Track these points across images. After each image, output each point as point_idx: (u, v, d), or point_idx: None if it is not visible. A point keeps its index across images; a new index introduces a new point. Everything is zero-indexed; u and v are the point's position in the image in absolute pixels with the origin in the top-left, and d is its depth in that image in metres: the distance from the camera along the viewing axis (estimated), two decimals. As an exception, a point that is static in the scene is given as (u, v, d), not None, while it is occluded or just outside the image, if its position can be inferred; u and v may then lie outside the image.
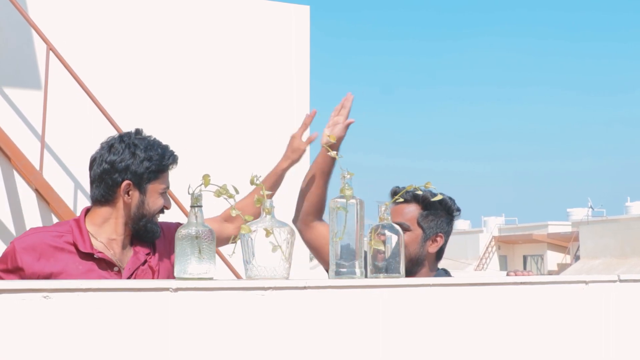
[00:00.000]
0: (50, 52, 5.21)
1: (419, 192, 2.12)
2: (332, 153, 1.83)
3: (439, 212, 2.17)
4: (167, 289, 1.34)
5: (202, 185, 1.52)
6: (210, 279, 1.49)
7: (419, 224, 2.14)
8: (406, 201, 2.14)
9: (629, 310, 1.74)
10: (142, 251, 1.98)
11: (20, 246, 1.87)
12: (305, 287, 1.43)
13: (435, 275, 2.19)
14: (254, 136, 6.67)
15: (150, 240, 1.99)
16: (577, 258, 29.14)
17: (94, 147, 2.04)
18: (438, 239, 2.17)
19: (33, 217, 5.68)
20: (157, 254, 1.99)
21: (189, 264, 1.49)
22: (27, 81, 5.89)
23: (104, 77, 6.09)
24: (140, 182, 1.93)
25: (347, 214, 1.59)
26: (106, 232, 1.94)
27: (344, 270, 1.59)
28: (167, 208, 2.01)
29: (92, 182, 1.96)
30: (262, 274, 1.51)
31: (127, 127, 6.12)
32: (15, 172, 5.63)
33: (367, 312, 1.47)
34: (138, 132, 2.03)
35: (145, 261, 1.95)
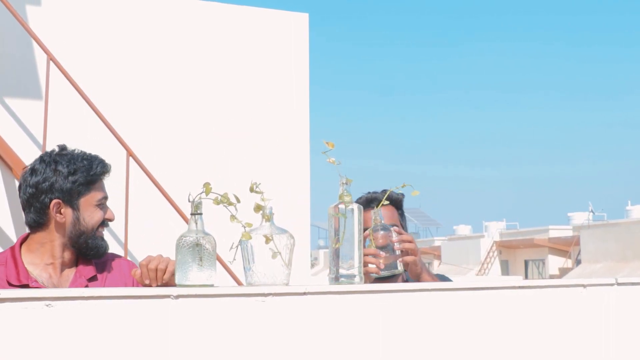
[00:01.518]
0: (51, 62, 5.23)
1: (393, 194, 2.16)
2: (331, 160, 1.84)
3: (403, 211, 2.27)
4: (168, 296, 1.35)
5: (203, 193, 1.53)
6: (211, 285, 1.50)
7: (400, 223, 2.21)
8: (384, 205, 2.19)
9: (628, 314, 1.75)
10: (84, 274, 1.90)
11: None
12: (305, 293, 1.44)
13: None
14: (254, 143, 6.69)
15: (96, 257, 1.91)
16: (578, 262, 29.10)
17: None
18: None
19: (34, 227, 5.69)
20: (101, 283, 1.90)
21: (190, 271, 1.50)
22: (28, 91, 5.91)
23: (105, 86, 6.11)
24: (70, 199, 1.84)
25: (346, 220, 1.60)
26: (42, 257, 1.86)
27: (344, 276, 1.60)
28: (110, 220, 1.93)
29: (23, 209, 1.89)
30: (262, 280, 1.52)
31: (128, 136, 6.12)
32: (16, 182, 5.64)
33: (367, 317, 1.48)
34: (61, 148, 1.93)
35: (86, 287, 1.83)
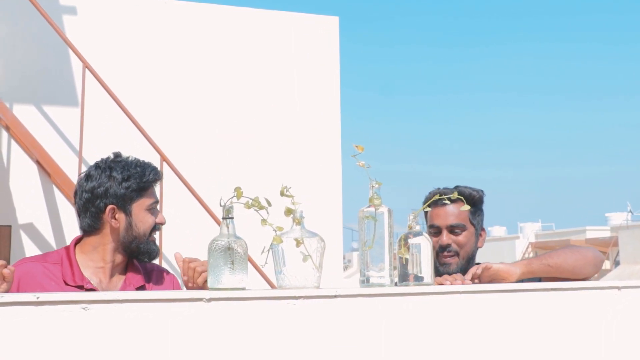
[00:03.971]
0: (86, 69, 5.33)
1: (465, 190, 2.16)
2: (361, 163, 1.84)
3: (479, 208, 2.22)
4: (201, 299, 1.37)
5: (235, 198, 1.55)
6: (243, 289, 1.51)
7: (470, 222, 2.18)
8: (454, 201, 2.12)
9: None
10: (134, 283, 1.94)
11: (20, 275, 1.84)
12: (335, 296, 1.45)
13: None
14: (286, 146, 6.71)
15: (148, 260, 1.95)
16: (617, 263, 28.51)
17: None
18: (483, 233, 2.25)
19: (72, 231, 5.80)
20: (149, 290, 1.93)
21: (222, 274, 1.52)
22: (65, 99, 6.04)
23: (138, 93, 6.20)
24: (123, 204, 1.89)
25: (377, 223, 1.61)
26: (94, 260, 1.90)
27: (374, 278, 1.60)
28: (161, 224, 1.97)
29: (78, 214, 1.94)
30: (293, 284, 1.53)
31: (161, 141, 6.21)
32: (54, 188, 5.76)
33: (397, 320, 1.48)
34: (116, 155, 1.98)
35: None
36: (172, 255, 5.91)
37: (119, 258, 1.93)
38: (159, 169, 1.99)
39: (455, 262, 2.14)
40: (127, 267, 1.98)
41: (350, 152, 1.64)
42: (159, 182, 1.97)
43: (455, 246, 2.15)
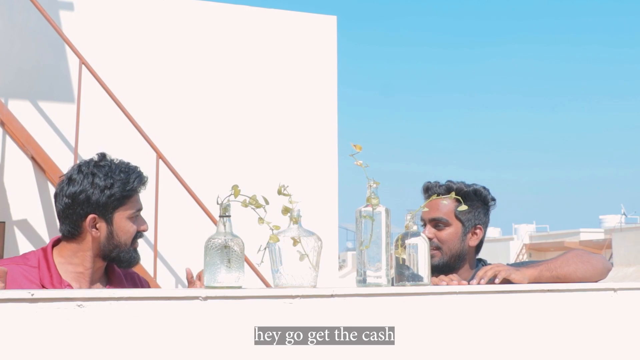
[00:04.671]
0: (83, 66, 5.32)
1: (453, 184, 2.08)
2: (359, 162, 1.84)
3: (475, 203, 2.10)
4: (197, 298, 1.37)
5: (232, 196, 1.54)
6: (239, 287, 1.51)
7: (457, 218, 2.08)
8: (441, 195, 2.04)
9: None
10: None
11: None
12: (332, 295, 1.45)
13: (475, 269, 2.13)
14: (282, 145, 6.71)
15: (127, 268, 1.89)
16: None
17: (126, 159, 2.01)
18: (477, 231, 2.12)
19: (66, 228, 5.79)
20: None
21: (218, 273, 1.52)
22: (61, 95, 6.02)
23: (135, 90, 6.19)
24: (105, 213, 1.81)
25: (374, 223, 1.60)
26: (74, 264, 1.84)
27: (371, 278, 1.60)
28: (144, 231, 1.90)
29: (58, 217, 1.87)
30: (290, 283, 1.53)
31: (158, 139, 6.20)
32: (49, 184, 5.74)
33: (394, 319, 1.48)
34: (100, 157, 1.89)
35: None
36: (168, 254, 5.89)
37: (99, 263, 1.87)
38: (144, 173, 1.90)
39: (438, 255, 2.05)
40: (107, 270, 1.93)
41: (347, 152, 1.64)
42: (143, 189, 1.89)
43: (436, 241, 2.06)
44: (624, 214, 31.86)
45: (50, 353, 1.27)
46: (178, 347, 1.34)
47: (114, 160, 1.89)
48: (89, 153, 6.68)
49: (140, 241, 1.93)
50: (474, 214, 2.10)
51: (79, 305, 1.30)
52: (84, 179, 1.82)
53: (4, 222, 5.72)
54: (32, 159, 5.69)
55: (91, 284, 1.87)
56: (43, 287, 1.81)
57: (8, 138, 5.76)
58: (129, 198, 1.84)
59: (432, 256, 1.98)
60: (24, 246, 5.67)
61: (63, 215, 1.84)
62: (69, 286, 1.83)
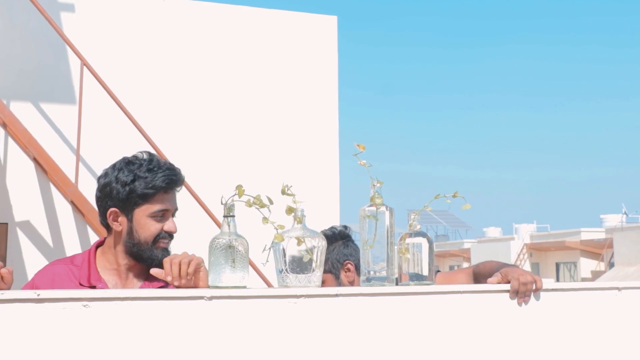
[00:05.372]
0: (84, 67, 5.32)
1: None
2: (362, 162, 1.84)
3: (332, 243, 2.09)
4: (202, 297, 1.37)
5: (236, 196, 1.54)
6: (244, 287, 1.51)
7: (325, 272, 2.02)
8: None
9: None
10: (151, 288, 1.84)
11: (39, 274, 1.86)
12: (337, 295, 1.45)
13: None
14: (283, 145, 6.72)
15: (150, 265, 1.84)
16: (611, 265, 28.59)
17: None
18: (349, 266, 2.11)
19: (69, 229, 5.79)
20: None
21: (223, 272, 1.52)
22: (62, 96, 6.02)
23: (137, 91, 6.19)
24: (125, 208, 1.81)
25: (378, 222, 1.61)
26: (109, 261, 1.86)
27: (375, 277, 1.60)
28: (169, 232, 1.84)
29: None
30: (295, 282, 1.53)
31: (160, 140, 6.20)
32: (51, 185, 5.75)
33: (398, 318, 1.49)
34: (137, 155, 1.89)
35: None
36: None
37: (131, 262, 1.86)
38: (177, 176, 1.86)
39: None
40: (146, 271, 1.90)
41: (348, 152, 1.64)
42: (173, 189, 1.86)
43: None
44: (625, 213, 31.84)
45: (56, 352, 1.28)
46: (183, 346, 1.34)
47: (154, 160, 1.88)
48: (91, 154, 6.71)
49: None
50: (338, 252, 2.11)
51: (84, 306, 1.31)
52: (112, 173, 1.85)
53: (6, 224, 5.72)
54: (34, 160, 5.70)
55: (126, 280, 1.87)
56: (80, 285, 1.83)
57: (10, 140, 5.76)
58: (152, 196, 1.82)
59: None
60: (27, 247, 5.67)
61: (97, 206, 1.89)
62: (104, 283, 1.84)
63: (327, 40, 7.01)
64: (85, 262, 1.86)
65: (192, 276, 1.70)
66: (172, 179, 1.85)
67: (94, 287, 1.82)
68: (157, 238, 1.83)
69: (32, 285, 1.84)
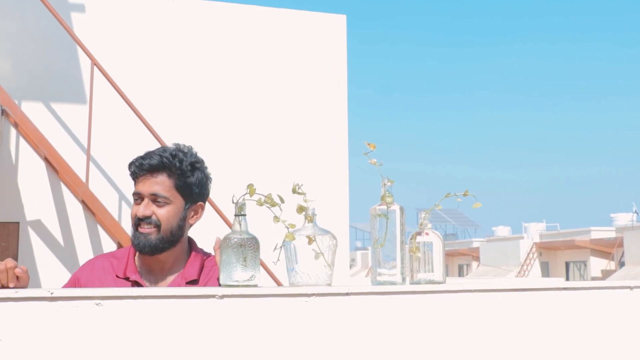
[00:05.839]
0: (95, 67, 5.34)
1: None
2: (373, 161, 1.85)
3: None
4: (213, 296, 1.38)
5: (247, 195, 1.55)
6: (255, 285, 1.52)
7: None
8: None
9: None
10: (186, 276, 1.88)
11: (81, 267, 1.93)
12: (348, 294, 1.46)
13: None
14: (292, 145, 6.72)
15: (142, 253, 1.85)
16: (621, 264, 28.45)
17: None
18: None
19: (80, 228, 5.82)
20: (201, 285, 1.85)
21: (234, 271, 1.52)
22: (73, 96, 6.05)
23: (147, 91, 6.22)
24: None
25: (388, 221, 1.61)
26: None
27: (386, 276, 1.61)
28: (134, 216, 1.85)
29: None
30: (305, 281, 1.54)
31: (170, 139, 6.27)
32: (62, 185, 5.78)
33: (409, 318, 1.49)
34: (184, 146, 1.96)
35: None
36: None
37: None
38: (157, 159, 1.85)
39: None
40: (187, 259, 1.93)
41: (357, 151, 1.64)
42: (149, 175, 1.84)
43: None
44: (636, 212, 31.67)
45: (69, 351, 1.29)
46: (195, 344, 1.35)
47: (159, 147, 1.92)
48: (101, 154, 6.76)
49: None
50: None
51: (97, 304, 1.32)
52: None
53: (18, 223, 5.76)
54: (46, 159, 5.73)
55: (160, 273, 1.89)
56: (117, 277, 1.86)
57: (22, 139, 5.80)
58: (136, 179, 1.86)
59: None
60: (38, 246, 5.71)
61: None
62: (138, 276, 1.86)
63: (336, 40, 7.01)
64: (125, 255, 1.90)
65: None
66: (140, 162, 1.85)
67: (127, 278, 1.85)
68: (136, 222, 1.85)
69: (74, 277, 1.90)
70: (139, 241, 1.83)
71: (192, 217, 1.93)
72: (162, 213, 1.84)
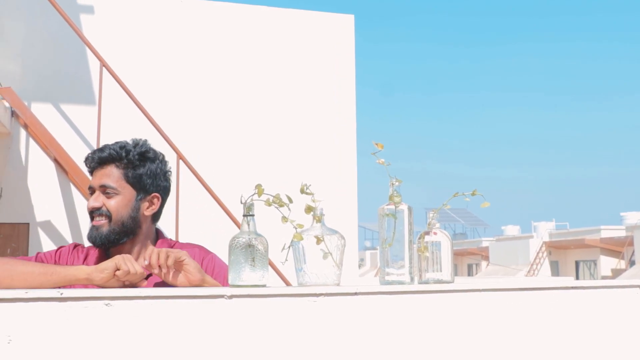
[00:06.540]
0: (104, 68, 5.37)
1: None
2: (381, 161, 1.84)
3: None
4: (222, 296, 1.38)
5: (255, 195, 1.55)
6: (264, 286, 1.52)
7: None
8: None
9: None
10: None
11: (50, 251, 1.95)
12: (356, 293, 1.46)
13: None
14: (301, 144, 6.72)
15: (99, 247, 1.86)
16: (632, 263, 28.28)
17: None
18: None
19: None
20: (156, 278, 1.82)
21: (242, 271, 1.53)
22: (82, 97, 6.08)
23: (156, 92, 6.24)
24: None
25: (397, 221, 1.61)
26: None
27: (394, 276, 1.61)
28: (88, 207, 1.88)
29: None
30: (314, 281, 1.54)
31: (179, 140, 6.26)
32: (72, 186, 5.81)
33: (418, 317, 1.49)
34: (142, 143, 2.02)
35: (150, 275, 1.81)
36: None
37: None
38: (104, 154, 1.89)
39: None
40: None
41: (365, 150, 1.64)
42: (99, 167, 1.88)
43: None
44: (646, 210, 31.43)
45: (79, 351, 1.29)
46: (204, 345, 1.36)
47: (121, 141, 1.97)
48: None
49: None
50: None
51: (106, 304, 1.32)
52: None
53: (28, 224, 5.79)
54: (55, 160, 5.76)
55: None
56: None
57: (31, 140, 5.83)
58: (91, 172, 1.90)
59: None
60: (48, 247, 5.74)
61: None
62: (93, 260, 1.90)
63: (344, 40, 7.01)
64: (94, 248, 1.92)
65: (172, 269, 1.70)
66: (91, 156, 1.90)
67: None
68: (90, 215, 1.88)
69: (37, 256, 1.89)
70: (91, 234, 1.85)
71: (147, 208, 1.93)
72: (112, 204, 1.86)
